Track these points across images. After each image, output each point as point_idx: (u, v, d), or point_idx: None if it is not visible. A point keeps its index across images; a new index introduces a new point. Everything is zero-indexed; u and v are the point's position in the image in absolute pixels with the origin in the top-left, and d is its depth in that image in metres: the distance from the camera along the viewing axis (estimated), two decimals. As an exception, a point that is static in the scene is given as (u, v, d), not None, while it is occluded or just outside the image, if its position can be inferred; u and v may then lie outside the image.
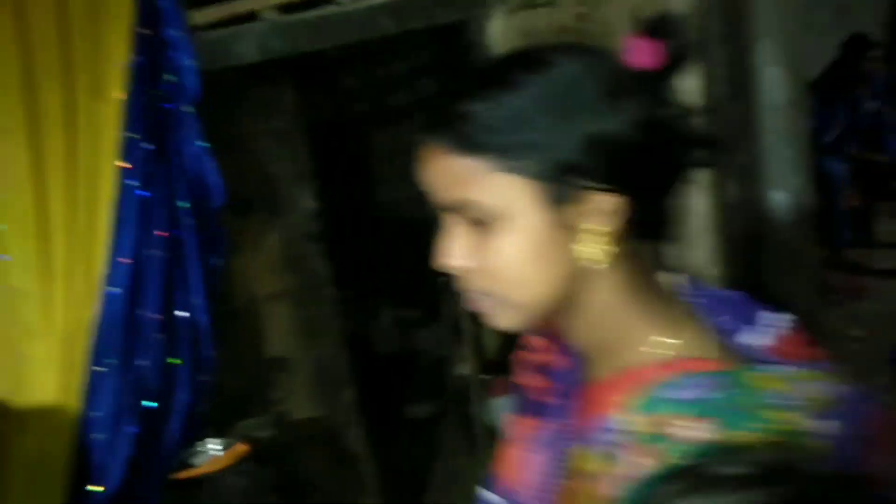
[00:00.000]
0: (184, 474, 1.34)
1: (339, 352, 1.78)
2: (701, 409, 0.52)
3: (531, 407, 0.69)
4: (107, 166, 1.29)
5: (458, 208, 0.57)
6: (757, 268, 1.95)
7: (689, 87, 1.80)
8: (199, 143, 1.37)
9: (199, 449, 1.41)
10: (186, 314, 1.36)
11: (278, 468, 1.55)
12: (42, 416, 1.26)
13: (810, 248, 2.06)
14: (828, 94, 3.86)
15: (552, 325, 0.62)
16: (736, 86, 1.85)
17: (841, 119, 3.95)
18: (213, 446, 1.40)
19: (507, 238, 0.55)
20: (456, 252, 0.58)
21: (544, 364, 0.69)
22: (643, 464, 0.52)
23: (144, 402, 1.31)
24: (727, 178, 1.88)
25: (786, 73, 1.91)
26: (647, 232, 0.59)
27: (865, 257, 3.98)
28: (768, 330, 0.61)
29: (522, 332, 0.61)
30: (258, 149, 1.64)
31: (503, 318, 0.59)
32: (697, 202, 1.86)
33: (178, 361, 1.34)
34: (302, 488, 1.62)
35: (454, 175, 0.56)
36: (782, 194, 1.95)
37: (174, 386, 1.35)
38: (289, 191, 1.68)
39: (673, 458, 0.51)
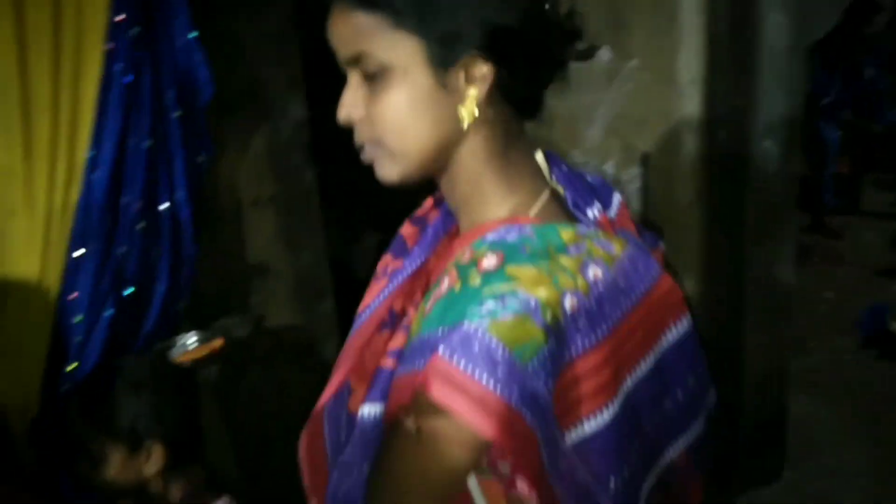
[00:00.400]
0: (167, 363, 1.36)
1: (320, 263, 1.79)
2: (500, 247, 0.62)
3: (399, 249, 0.79)
4: (93, 48, 1.26)
5: (355, 61, 0.64)
6: (739, 213, 1.97)
7: (690, 20, 1.78)
8: (188, 32, 1.34)
9: (175, 341, 1.43)
10: (169, 206, 1.36)
11: (253, 369, 1.58)
12: (22, 295, 1.27)
13: (792, 200, 2.08)
14: (829, 58, 3.83)
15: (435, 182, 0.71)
16: (737, 24, 1.83)
17: (839, 84, 3.94)
18: (190, 339, 1.42)
19: (394, 91, 0.63)
20: (350, 102, 0.65)
21: (422, 217, 0.79)
22: (450, 286, 0.61)
23: (123, 290, 1.32)
24: (719, 120, 1.88)
25: (789, 21, 1.90)
26: (514, 104, 0.67)
27: (847, 224, 4.03)
28: (605, 204, 0.73)
29: (404, 184, 0.68)
30: (249, 49, 1.61)
31: (387, 169, 0.66)
32: (687, 140, 1.87)
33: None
34: (274, 391, 1.65)
35: (354, 29, 0.63)
36: (771, 143, 1.96)
37: (153, 276, 1.36)
38: (278, 96, 1.66)
39: (466, 282, 0.60)
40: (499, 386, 0.56)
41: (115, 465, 1.11)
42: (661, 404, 0.68)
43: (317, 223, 1.79)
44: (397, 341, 0.68)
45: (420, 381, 0.57)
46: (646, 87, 1.82)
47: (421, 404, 0.57)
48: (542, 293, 0.58)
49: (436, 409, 0.57)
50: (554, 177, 0.73)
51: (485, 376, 0.56)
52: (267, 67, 1.65)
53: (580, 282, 0.61)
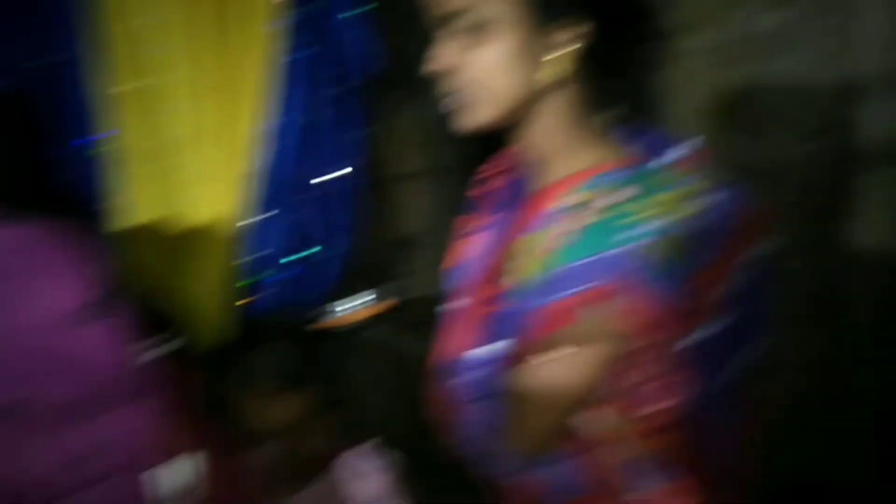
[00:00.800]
0: (327, 323, 1.46)
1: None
2: (612, 186, 0.70)
3: (479, 208, 0.87)
4: (263, 25, 1.34)
5: (456, 16, 0.70)
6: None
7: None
8: (353, 10, 1.40)
9: (338, 306, 1.52)
10: (336, 177, 1.44)
11: (407, 331, 1.65)
12: (209, 257, 1.40)
13: None
14: None
15: (509, 141, 0.78)
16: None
17: None
18: (353, 302, 1.50)
19: (492, 44, 0.69)
20: (445, 53, 0.71)
21: (489, 179, 0.88)
22: (573, 225, 0.69)
23: (297, 254, 1.43)
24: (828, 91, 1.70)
25: None
26: (599, 66, 0.72)
27: None
28: (679, 150, 0.78)
29: (485, 131, 0.74)
30: (400, 25, 1.65)
31: (473, 116, 0.72)
32: (865, 112, 1.71)
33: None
34: (425, 352, 1.71)
35: None
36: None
37: (327, 240, 1.45)
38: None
39: (591, 217, 0.68)
40: (649, 298, 0.66)
41: (258, 413, 1.18)
42: (733, 320, 0.77)
43: (464, 195, 1.82)
44: (499, 287, 0.76)
45: (582, 303, 0.67)
46: (817, 53, 1.68)
47: (586, 322, 0.67)
48: (663, 221, 0.67)
49: (602, 325, 0.67)
50: (623, 133, 0.80)
51: (638, 291, 0.66)
52: (418, 43, 1.69)
53: (687, 211, 0.69)
